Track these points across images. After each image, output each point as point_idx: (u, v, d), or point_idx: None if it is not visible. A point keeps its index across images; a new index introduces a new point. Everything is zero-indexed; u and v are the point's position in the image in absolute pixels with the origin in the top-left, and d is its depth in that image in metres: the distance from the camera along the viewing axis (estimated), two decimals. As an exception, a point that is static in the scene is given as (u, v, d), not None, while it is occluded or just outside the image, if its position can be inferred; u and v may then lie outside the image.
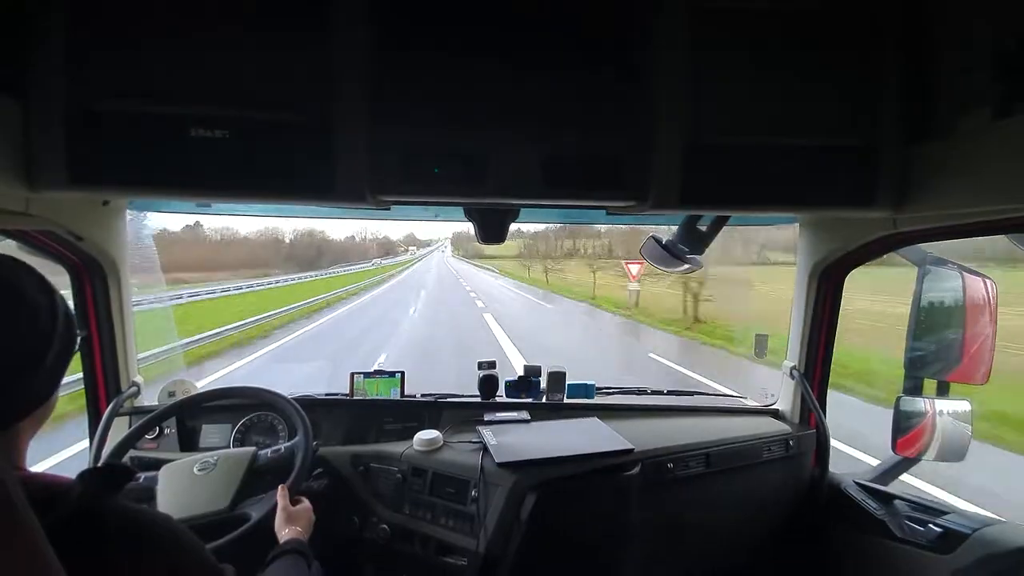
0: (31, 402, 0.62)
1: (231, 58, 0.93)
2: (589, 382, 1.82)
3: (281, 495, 1.18)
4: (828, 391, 1.68)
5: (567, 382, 1.79)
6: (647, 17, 0.99)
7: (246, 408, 1.63)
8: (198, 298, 14.64)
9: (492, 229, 1.27)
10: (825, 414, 1.64)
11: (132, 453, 1.42)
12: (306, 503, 1.21)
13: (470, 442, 1.51)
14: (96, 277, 1.43)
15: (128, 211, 1.47)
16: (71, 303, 1.38)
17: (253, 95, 0.95)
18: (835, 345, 1.63)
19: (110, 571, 0.58)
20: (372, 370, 1.79)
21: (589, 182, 1.05)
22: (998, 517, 1.25)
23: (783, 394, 1.76)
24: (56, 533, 0.48)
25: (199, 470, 1.26)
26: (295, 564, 1.01)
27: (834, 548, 1.53)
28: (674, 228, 1.42)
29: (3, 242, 1.19)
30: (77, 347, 0.68)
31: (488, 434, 1.51)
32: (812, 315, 1.58)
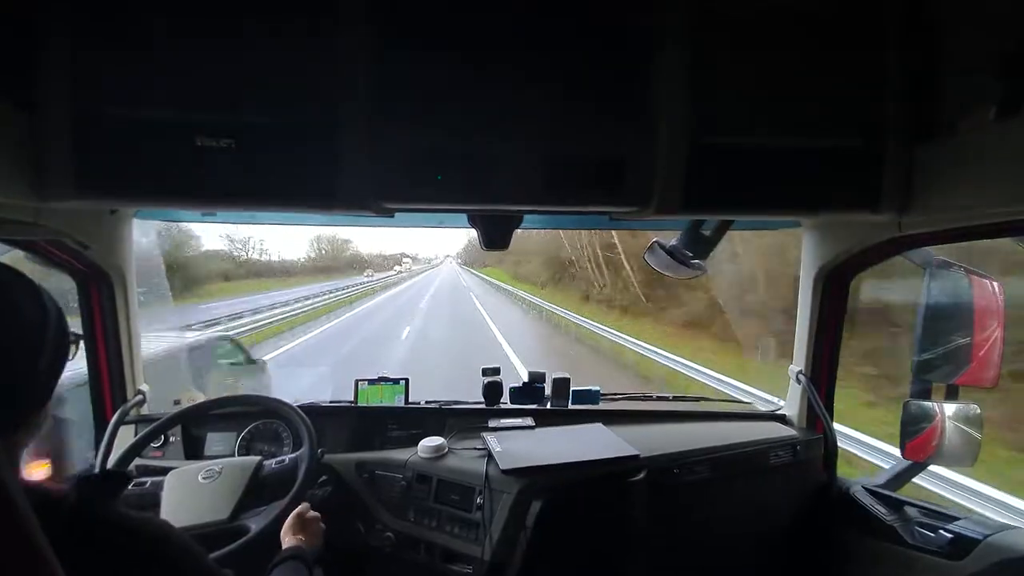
0: (25, 410, 0.62)
1: (235, 67, 0.95)
2: (594, 388, 1.82)
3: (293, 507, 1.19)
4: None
5: (572, 388, 1.78)
6: (648, 20, 0.99)
7: (251, 416, 1.63)
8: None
9: (496, 236, 1.27)
10: (832, 419, 1.63)
11: (138, 461, 1.42)
12: (313, 514, 1.21)
13: (475, 449, 1.51)
14: (103, 286, 1.44)
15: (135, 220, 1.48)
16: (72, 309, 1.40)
17: (257, 104, 0.96)
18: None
19: None
20: (377, 377, 1.79)
21: (592, 187, 1.05)
22: (1011, 523, 1.23)
23: (789, 399, 1.75)
24: (53, 541, 0.48)
25: (204, 478, 1.26)
26: (296, 570, 1.00)
27: (843, 554, 1.51)
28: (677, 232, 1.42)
29: (11, 252, 1.20)
30: (72, 356, 0.68)
31: (493, 441, 1.50)
32: (818, 319, 1.57)
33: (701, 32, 0.99)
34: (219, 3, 0.94)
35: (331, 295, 22.96)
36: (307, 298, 19.89)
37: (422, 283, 40.25)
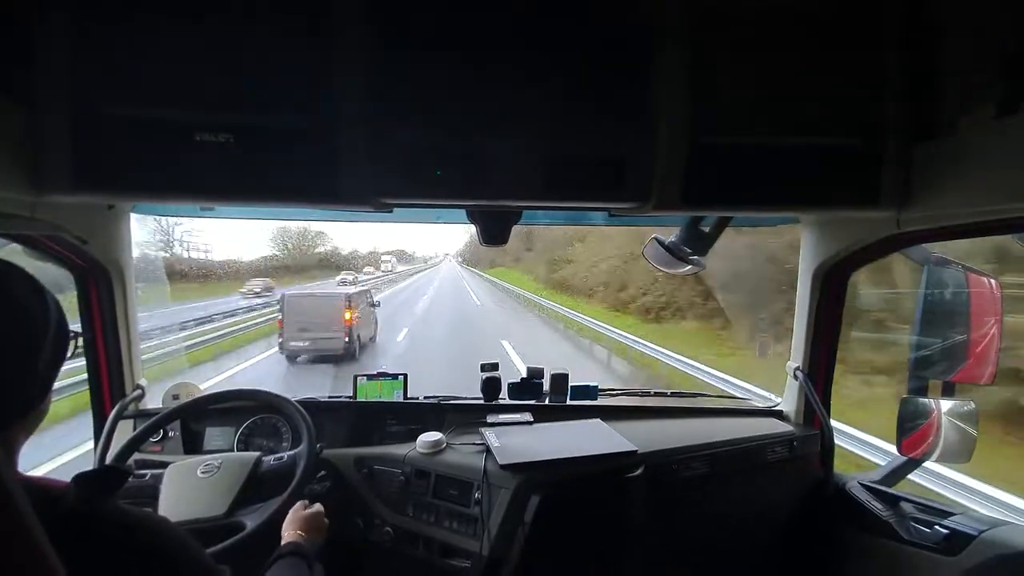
0: (22, 407, 0.62)
1: (234, 63, 0.94)
2: (592, 383, 1.82)
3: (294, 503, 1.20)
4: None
5: (570, 384, 1.79)
6: (648, 20, 0.99)
7: (250, 411, 1.64)
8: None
9: (494, 231, 1.27)
10: (829, 415, 1.63)
11: (136, 456, 1.43)
12: (316, 508, 1.21)
13: (473, 444, 1.51)
14: (101, 281, 1.44)
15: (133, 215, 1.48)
16: (74, 305, 1.40)
17: (256, 100, 0.95)
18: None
19: (105, 574, 0.58)
20: (375, 372, 1.79)
21: (591, 184, 1.05)
22: (1005, 519, 1.24)
23: (787, 395, 1.76)
24: (52, 536, 0.48)
25: (202, 473, 1.26)
26: (294, 566, 1.01)
27: (839, 550, 1.52)
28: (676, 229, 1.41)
29: (9, 246, 1.20)
30: (71, 352, 0.68)
31: (491, 436, 1.51)
32: (816, 316, 1.57)
33: (701, 32, 0.99)
34: (219, 1, 0.93)
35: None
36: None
37: (406, 298, 22.29)
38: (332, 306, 9.42)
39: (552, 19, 0.98)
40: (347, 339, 9.29)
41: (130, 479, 1.25)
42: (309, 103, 0.96)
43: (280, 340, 9.34)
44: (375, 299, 11.42)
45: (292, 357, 9.38)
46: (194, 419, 1.63)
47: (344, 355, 9.19)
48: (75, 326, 0.70)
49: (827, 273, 1.52)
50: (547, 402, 1.77)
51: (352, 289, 11.47)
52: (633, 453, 1.44)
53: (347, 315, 9.35)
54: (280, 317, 9.37)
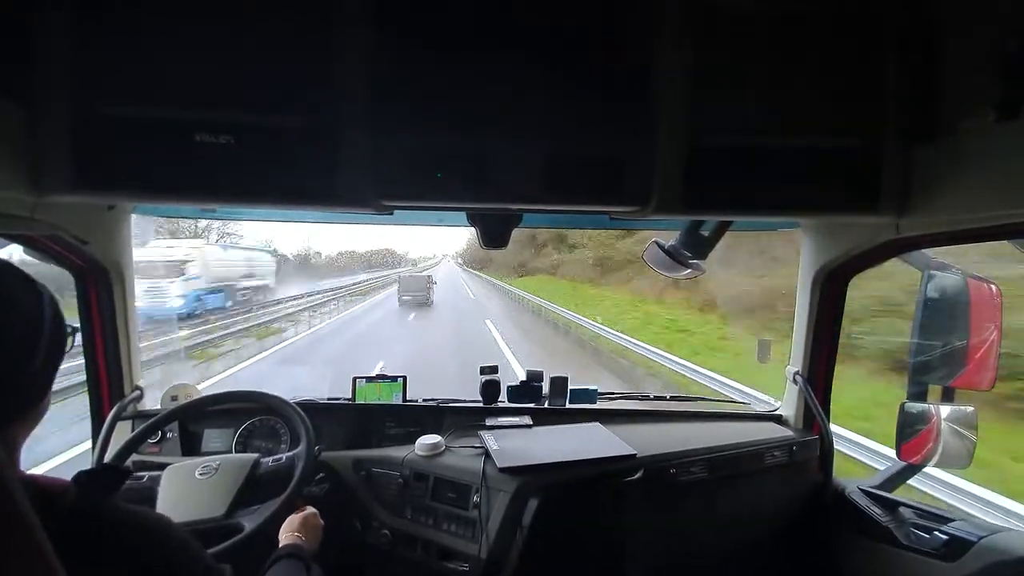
0: (21, 405, 0.61)
1: (235, 64, 0.94)
2: (591, 387, 1.82)
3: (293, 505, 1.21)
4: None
5: (569, 387, 1.79)
6: (648, 20, 0.99)
7: (248, 412, 1.63)
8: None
9: (495, 234, 1.27)
10: (829, 419, 1.63)
11: (135, 457, 1.42)
12: (311, 511, 1.22)
13: (472, 447, 1.51)
14: (101, 281, 1.44)
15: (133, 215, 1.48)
16: (73, 305, 1.40)
17: (257, 101, 0.95)
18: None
19: (106, 573, 0.58)
20: (374, 375, 1.79)
21: (591, 187, 1.05)
22: (1005, 525, 1.24)
23: (786, 399, 1.75)
24: (52, 535, 0.48)
25: (201, 474, 1.26)
26: (293, 567, 1.01)
27: (838, 555, 1.52)
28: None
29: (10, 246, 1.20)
30: (68, 348, 0.67)
31: (490, 439, 1.51)
32: (816, 320, 1.57)
33: (701, 32, 0.99)
34: (219, 1, 0.93)
35: None
36: None
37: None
38: (421, 280, 21.38)
39: (552, 19, 0.98)
40: (428, 296, 20.43)
41: (127, 481, 1.25)
42: (309, 103, 0.96)
43: (399, 295, 20.68)
44: (434, 279, 22.65)
45: (402, 303, 19.98)
46: (192, 420, 1.62)
47: (426, 303, 20.05)
48: (72, 322, 0.70)
49: (827, 278, 1.52)
50: (546, 405, 1.77)
51: (428, 272, 22.63)
52: (632, 457, 1.44)
53: (427, 285, 20.72)
54: (398, 285, 21.66)
